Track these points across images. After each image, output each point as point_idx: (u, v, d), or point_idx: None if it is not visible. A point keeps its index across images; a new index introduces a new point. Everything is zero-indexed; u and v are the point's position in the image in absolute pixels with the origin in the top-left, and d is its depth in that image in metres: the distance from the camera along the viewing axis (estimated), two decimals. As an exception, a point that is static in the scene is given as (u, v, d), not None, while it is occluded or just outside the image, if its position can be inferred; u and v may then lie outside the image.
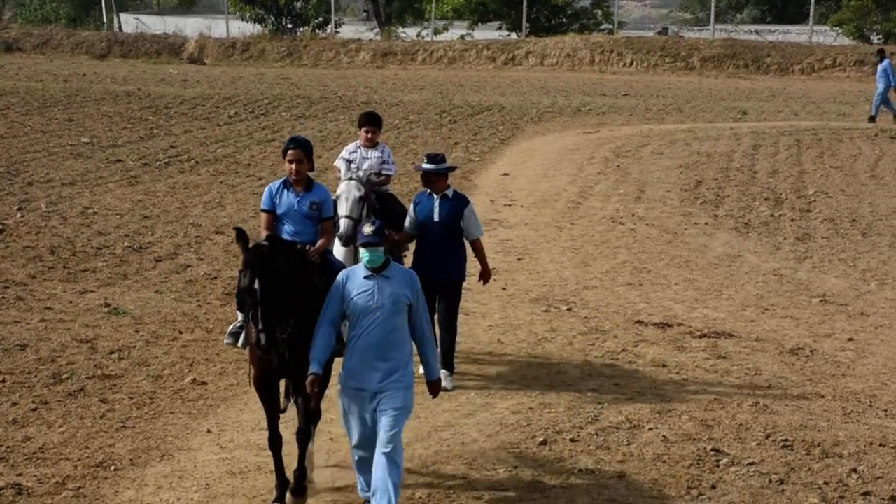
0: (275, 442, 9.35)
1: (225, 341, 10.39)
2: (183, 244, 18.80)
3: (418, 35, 63.17)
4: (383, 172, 13.37)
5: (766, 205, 23.00)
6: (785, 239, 20.51)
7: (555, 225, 21.25)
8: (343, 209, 12.17)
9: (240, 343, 10.06)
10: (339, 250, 12.12)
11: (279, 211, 10.14)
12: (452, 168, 12.73)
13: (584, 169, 26.76)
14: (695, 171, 26.27)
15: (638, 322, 15.02)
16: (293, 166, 10.14)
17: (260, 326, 8.67)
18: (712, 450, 10.63)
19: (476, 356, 13.52)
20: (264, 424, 9.65)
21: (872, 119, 33.98)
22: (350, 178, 12.50)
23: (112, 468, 10.14)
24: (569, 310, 15.56)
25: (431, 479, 9.95)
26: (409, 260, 13.02)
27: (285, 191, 10.17)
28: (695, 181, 25.15)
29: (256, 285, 8.61)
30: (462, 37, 60.73)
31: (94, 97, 37.28)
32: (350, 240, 12.01)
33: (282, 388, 9.80)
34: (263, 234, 9.80)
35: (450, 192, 12.39)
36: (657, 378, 12.80)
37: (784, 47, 53.25)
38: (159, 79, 45.11)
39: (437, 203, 12.32)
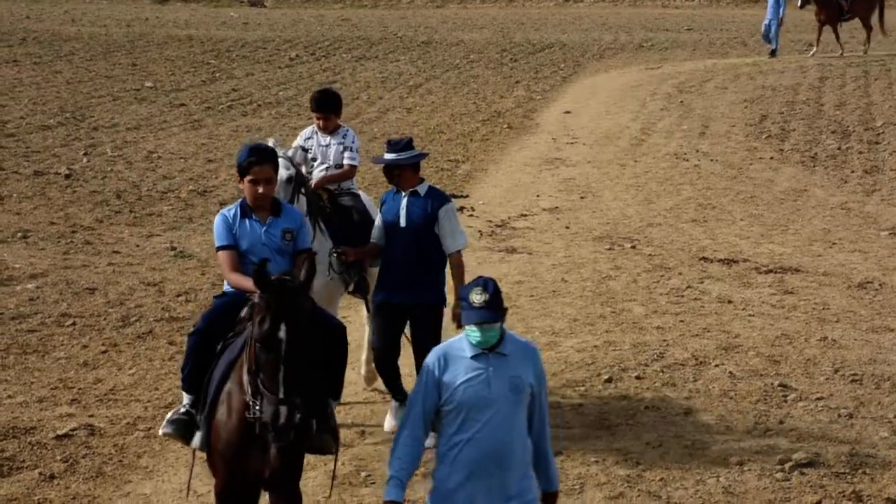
0: None
1: (162, 432, 7.68)
2: (247, 187, 18.87)
3: (478, -27, 62.76)
4: (345, 162, 10.51)
5: (832, 138, 22.68)
6: (853, 172, 20.24)
7: (618, 162, 21.12)
8: None
9: (196, 442, 7.27)
10: None
11: (242, 246, 7.60)
12: (421, 156, 9.55)
13: (646, 105, 26.53)
14: (760, 105, 25.96)
15: (703, 258, 14.93)
16: (260, 189, 7.52)
17: (281, 394, 6.30)
18: (780, 385, 10.57)
19: (540, 295, 13.51)
20: None
21: (773, 53, 32.87)
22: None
23: (182, 409, 10.25)
24: (633, 247, 15.49)
25: (497, 417, 9.98)
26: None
27: (245, 220, 7.62)
28: (760, 115, 24.85)
29: (282, 333, 6.35)
30: (522, -26, 60.28)
31: (156, 41, 37.48)
32: None
33: None
34: (230, 277, 7.65)
35: (422, 189, 9.36)
36: (723, 314, 12.72)
37: (851, -24, 52.26)
38: (220, 22, 45.22)
39: (403, 203, 9.31)
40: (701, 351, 11.49)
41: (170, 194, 18.39)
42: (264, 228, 7.58)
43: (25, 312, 12.64)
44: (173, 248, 15.31)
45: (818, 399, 10.29)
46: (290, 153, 9.69)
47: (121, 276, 14.11)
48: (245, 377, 6.65)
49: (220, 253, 7.65)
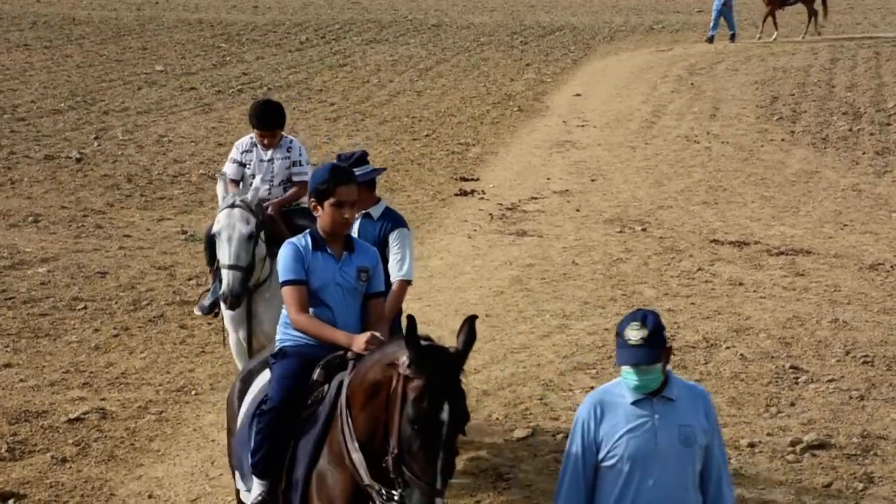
0: None
1: None
2: (257, 170, 18.88)
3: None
4: (294, 178, 9.44)
5: (844, 119, 22.61)
6: (864, 153, 20.18)
7: (628, 145, 21.07)
8: (226, 255, 8.30)
9: None
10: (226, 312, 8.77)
11: (313, 284, 6.42)
12: (376, 172, 8.45)
13: (657, 88, 26.47)
14: (771, 86, 25.88)
15: (714, 241, 14.91)
16: (346, 214, 6.47)
17: (439, 484, 5.28)
18: (791, 367, 10.57)
19: (551, 278, 13.50)
20: None
21: (711, 40, 32.62)
22: (233, 206, 8.47)
23: (193, 392, 10.29)
24: (643, 230, 15.47)
25: (508, 400, 9.99)
26: None
27: (318, 253, 6.47)
28: (771, 97, 24.78)
29: (445, 415, 5.31)
30: (532, -44, 60.09)
31: (166, 25, 37.45)
32: (238, 300, 8.33)
33: None
34: (298, 320, 6.41)
35: (376, 211, 8.27)
36: (734, 297, 12.71)
37: (862, -43, 52.04)
38: (230, 6, 45.17)
39: (355, 226, 8.05)
40: (712, 333, 11.49)
41: (180, 178, 18.41)
42: (339, 265, 6.46)
43: (37, 296, 12.67)
44: (184, 232, 15.32)
45: (829, 381, 10.28)
46: (248, 197, 8.57)
47: (132, 259, 14.13)
48: (353, 457, 5.70)
49: (287, 289, 6.41)
